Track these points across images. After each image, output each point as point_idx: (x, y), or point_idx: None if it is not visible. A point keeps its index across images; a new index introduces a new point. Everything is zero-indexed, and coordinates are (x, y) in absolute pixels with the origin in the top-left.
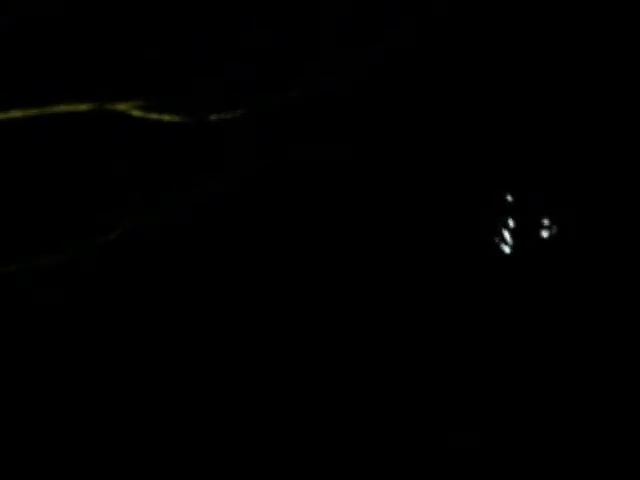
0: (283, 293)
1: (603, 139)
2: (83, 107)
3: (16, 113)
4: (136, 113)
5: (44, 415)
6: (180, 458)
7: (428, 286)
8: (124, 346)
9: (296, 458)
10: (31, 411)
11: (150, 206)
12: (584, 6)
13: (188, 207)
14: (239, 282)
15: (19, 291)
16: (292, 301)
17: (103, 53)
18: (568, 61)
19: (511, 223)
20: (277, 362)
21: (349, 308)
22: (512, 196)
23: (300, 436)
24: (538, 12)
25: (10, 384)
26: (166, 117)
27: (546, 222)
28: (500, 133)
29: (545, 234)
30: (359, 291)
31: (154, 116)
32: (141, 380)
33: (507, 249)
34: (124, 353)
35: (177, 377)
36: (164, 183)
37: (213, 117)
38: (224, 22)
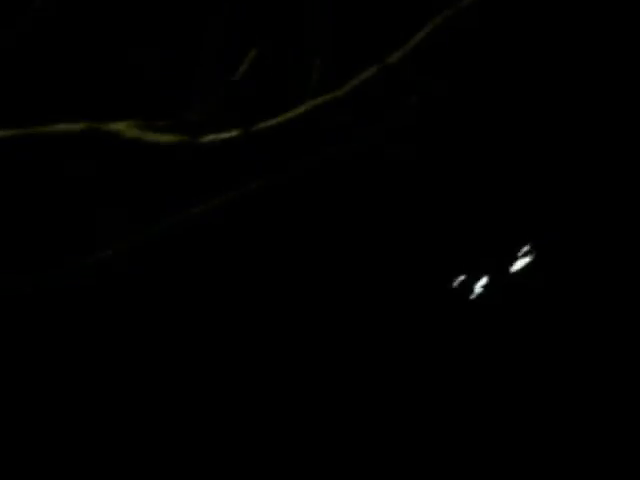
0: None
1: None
2: (76, 127)
3: (5, 133)
4: (131, 133)
5: (45, 415)
6: (180, 458)
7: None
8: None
9: (296, 458)
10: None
11: (144, 228)
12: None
13: (185, 228)
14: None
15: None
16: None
17: (99, 70)
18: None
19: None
20: (279, 364)
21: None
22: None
23: (300, 437)
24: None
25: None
26: (162, 138)
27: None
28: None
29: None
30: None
31: (150, 137)
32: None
33: None
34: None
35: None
36: (158, 205)
37: (210, 138)
38: (225, 41)
